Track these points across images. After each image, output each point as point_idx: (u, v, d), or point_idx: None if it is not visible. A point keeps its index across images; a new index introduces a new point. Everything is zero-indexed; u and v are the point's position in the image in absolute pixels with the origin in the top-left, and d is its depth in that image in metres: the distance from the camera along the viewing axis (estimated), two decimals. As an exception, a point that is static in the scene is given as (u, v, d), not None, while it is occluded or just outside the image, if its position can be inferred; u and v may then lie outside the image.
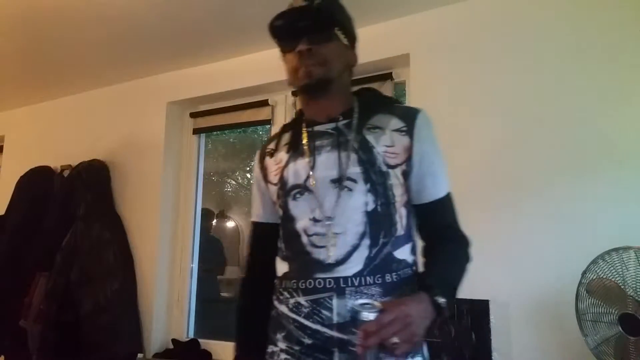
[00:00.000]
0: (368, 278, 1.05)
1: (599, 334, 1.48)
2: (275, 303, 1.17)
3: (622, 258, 1.45)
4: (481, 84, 2.05)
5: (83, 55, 2.75)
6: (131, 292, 2.79)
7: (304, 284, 1.08)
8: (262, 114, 2.74)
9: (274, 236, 1.22)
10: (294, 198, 1.13)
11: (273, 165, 1.22)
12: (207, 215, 3.13)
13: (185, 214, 2.94)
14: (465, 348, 1.82)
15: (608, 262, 1.48)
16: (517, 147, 1.94)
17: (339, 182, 1.09)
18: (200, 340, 2.68)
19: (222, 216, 3.58)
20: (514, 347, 1.82)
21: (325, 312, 1.05)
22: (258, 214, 1.30)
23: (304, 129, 1.19)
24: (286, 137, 1.24)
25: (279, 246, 1.20)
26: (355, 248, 1.06)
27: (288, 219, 1.14)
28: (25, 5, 2.22)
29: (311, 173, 1.12)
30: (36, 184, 3.16)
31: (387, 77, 2.33)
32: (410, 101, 2.23)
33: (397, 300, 0.97)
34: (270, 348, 1.15)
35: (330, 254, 1.07)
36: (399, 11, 2.22)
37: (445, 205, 1.17)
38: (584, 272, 1.52)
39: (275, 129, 2.70)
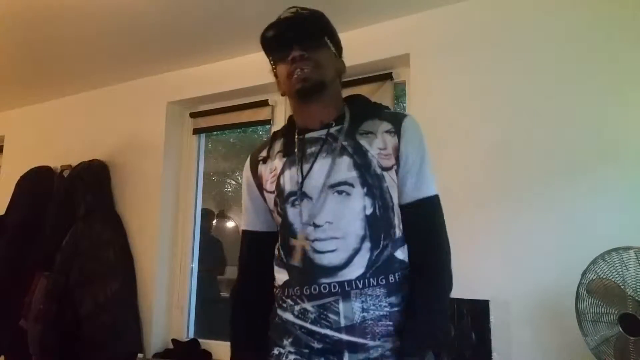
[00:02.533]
0: (371, 280, 1.07)
1: (599, 334, 1.48)
2: (279, 312, 1.17)
3: (622, 258, 1.45)
4: (481, 84, 2.05)
5: (83, 55, 2.75)
6: (131, 292, 2.79)
7: (308, 290, 1.09)
8: (262, 114, 2.74)
9: (269, 244, 1.23)
10: (293, 205, 1.14)
11: (268, 173, 1.23)
12: (207, 215, 3.13)
13: (185, 214, 2.94)
14: (465, 348, 1.82)
15: (608, 262, 1.48)
16: (517, 147, 1.94)
17: (337, 187, 1.10)
18: (200, 340, 2.68)
19: (222, 216, 3.57)
20: (514, 347, 1.82)
21: (332, 316, 1.07)
22: (251, 222, 1.30)
23: (297, 136, 1.20)
24: (279, 145, 1.25)
25: (276, 254, 1.20)
26: (356, 252, 1.07)
27: (287, 226, 1.14)
28: (24, 5, 2.22)
29: (307, 179, 1.13)
30: (36, 184, 3.16)
31: (387, 77, 2.33)
32: (410, 101, 2.23)
33: None
34: (277, 350, 1.15)
35: (333, 259, 1.08)
36: (399, 11, 2.22)
37: (426, 207, 1.15)
38: (584, 272, 1.52)
39: (275, 129, 2.71)
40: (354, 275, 1.07)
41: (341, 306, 1.06)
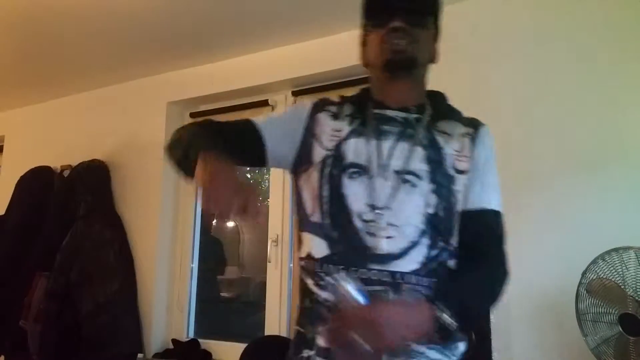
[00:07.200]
0: (424, 279, 0.97)
1: (599, 334, 1.48)
2: (314, 288, 1.02)
3: (622, 258, 1.45)
4: (481, 85, 2.05)
5: (83, 55, 2.75)
6: (131, 292, 2.79)
7: (356, 273, 0.96)
8: (262, 114, 2.74)
9: (256, 142, 1.09)
10: (350, 177, 1.03)
11: (330, 128, 1.11)
12: (207, 215, 3.12)
13: (185, 214, 2.94)
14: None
15: (608, 262, 1.48)
16: (517, 147, 1.93)
17: (403, 174, 1.02)
18: (200, 340, 2.68)
19: (222, 216, 3.57)
20: (514, 347, 1.82)
21: None
22: (265, 125, 1.11)
23: (372, 109, 1.11)
24: (349, 109, 1.15)
25: (313, 220, 1.06)
26: (414, 244, 0.98)
27: (337, 196, 1.03)
28: (24, 5, 2.22)
29: (375, 157, 1.04)
30: (36, 184, 3.16)
31: (387, 77, 2.32)
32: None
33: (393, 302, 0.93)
34: (306, 353, 1.00)
35: (388, 246, 0.97)
36: (399, 11, 2.21)
37: (490, 219, 1.06)
38: (584, 272, 1.52)
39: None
40: (408, 268, 0.96)
41: (391, 298, 0.94)
